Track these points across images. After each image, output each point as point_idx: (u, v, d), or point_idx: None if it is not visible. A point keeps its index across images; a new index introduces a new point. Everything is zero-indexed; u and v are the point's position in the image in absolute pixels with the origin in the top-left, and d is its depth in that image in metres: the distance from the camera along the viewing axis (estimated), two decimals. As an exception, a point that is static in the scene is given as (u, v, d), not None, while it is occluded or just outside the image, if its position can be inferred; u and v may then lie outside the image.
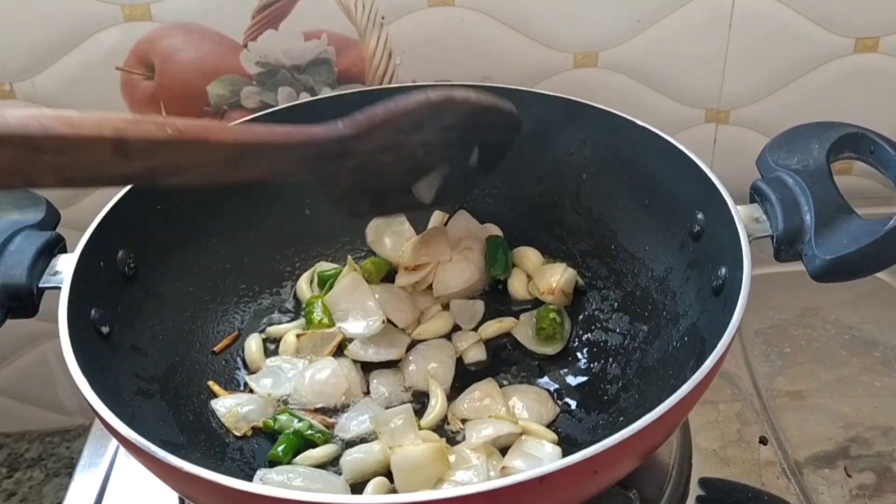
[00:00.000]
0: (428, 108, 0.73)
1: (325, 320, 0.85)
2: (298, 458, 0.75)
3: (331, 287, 0.87)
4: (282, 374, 0.82)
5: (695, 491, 0.77)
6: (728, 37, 1.03)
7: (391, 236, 0.93)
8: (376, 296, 0.85)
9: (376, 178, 0.75)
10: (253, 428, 0.78)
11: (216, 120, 0.61)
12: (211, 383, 0.81)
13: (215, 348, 0.85)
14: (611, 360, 0.83)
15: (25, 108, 0.54)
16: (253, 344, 0.85)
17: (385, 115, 0.71)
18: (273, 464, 0.74)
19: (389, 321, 0.84)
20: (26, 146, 0.52)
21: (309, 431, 0.76)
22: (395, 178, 0.77)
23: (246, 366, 0.85)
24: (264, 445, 0.77)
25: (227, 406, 0.78)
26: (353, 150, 0.71)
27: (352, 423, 0.78)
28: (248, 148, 0.64)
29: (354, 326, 0.84)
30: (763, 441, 0.82)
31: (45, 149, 0.53)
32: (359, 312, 0.85)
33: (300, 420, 0.77)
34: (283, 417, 0.78)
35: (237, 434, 0.77)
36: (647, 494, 0.74)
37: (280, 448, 0.75)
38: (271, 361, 0.83)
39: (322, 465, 0.75)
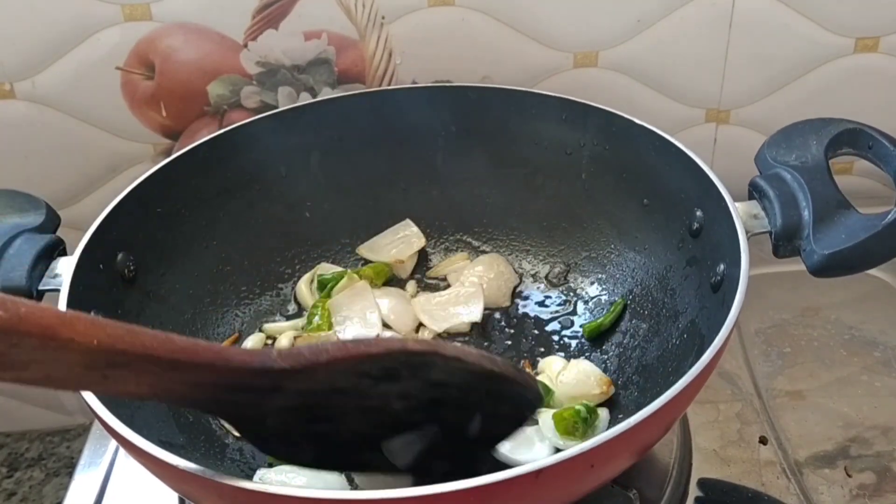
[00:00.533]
0: (404, 358, 0.58)
1: (324, 325, 0.85)
2: (298, 458, 0.75)
3: (330, 291, 0.87)
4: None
5: (694, 492, 0.77)
6: (728, 37, 1.03)
7: (393, 244, 0.94)
8: (380, 306, 0.86)
9: (326, 423, 0.59)
10: (252, 428, 0.78)
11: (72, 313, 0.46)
12: (210, 384, 0.81)
13: (215, 349, 0.84)
14: (610, 357, 0.83)
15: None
16: (251, 345, 0.85)
17: (337, 356, 0.56)
18: (273, 465, 0.74)
19: (389, 327, 0.85)
20: None
21: (308, 430, 0.76)
22: (354, 428, 0.60)
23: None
24: (264, 446, 0.77)
25: (227, 406, 0.78)
26: (284, 387, 0.55)
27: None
28: (117, 356, 0.48)
29: (351, 334, 0.84)
30: (763, 441, 0.81)
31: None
32: (358, 321, 0.85)
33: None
34: (281, 417, 0.77)
35: (237, 435, 0.77)
36: (648, 494, 0.74)
37: (280, 448, 0.74)
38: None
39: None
